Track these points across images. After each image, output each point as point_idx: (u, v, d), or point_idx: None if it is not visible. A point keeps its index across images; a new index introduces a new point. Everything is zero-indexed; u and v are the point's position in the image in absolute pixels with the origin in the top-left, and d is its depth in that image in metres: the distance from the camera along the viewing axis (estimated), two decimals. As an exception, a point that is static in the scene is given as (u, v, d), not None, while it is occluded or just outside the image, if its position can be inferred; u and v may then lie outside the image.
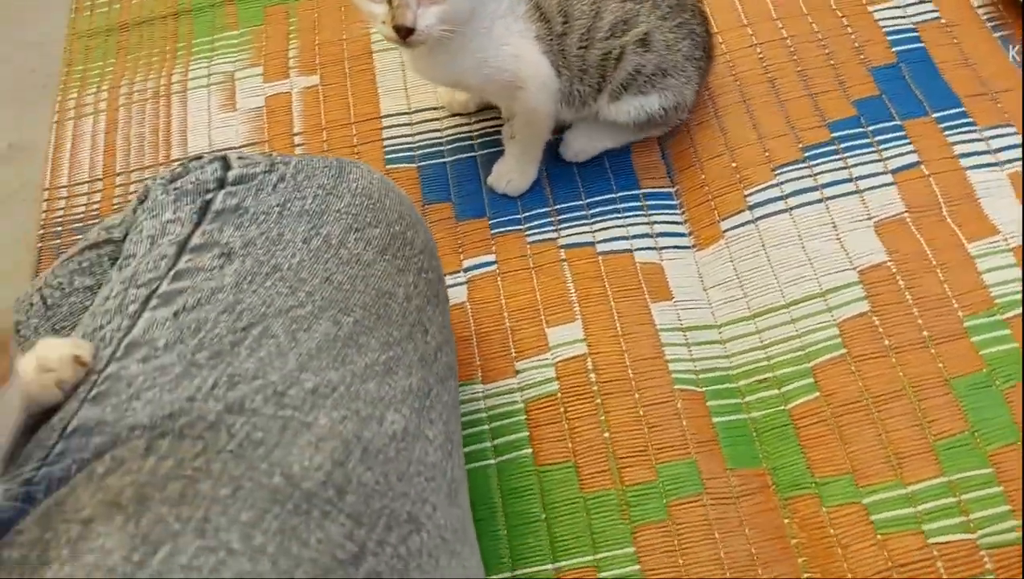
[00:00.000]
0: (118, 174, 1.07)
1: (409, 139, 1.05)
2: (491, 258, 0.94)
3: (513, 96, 0.91)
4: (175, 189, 0.66)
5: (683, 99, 0.94)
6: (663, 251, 0.92)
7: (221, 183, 0.66)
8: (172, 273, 0.59)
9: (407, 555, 0.50)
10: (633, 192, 0.97)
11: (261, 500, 0.46)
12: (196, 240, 0.61)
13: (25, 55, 1.22)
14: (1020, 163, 0.90)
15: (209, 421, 0.49)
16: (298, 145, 1.07)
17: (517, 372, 0.86)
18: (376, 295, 0.61)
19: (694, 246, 0.93)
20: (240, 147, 1.07)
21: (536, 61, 0.88)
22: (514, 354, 0.87)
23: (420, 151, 1.04)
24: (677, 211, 0.95)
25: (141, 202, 0.68)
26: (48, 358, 0.53)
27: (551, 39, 0.87)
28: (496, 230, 0.96)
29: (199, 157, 0.70)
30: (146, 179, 1.06)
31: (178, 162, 0.69)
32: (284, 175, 0.67)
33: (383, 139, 1.05)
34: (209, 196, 0.65)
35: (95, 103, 1.14)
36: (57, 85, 1.17)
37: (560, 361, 0.86)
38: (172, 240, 0.62)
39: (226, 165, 0.68)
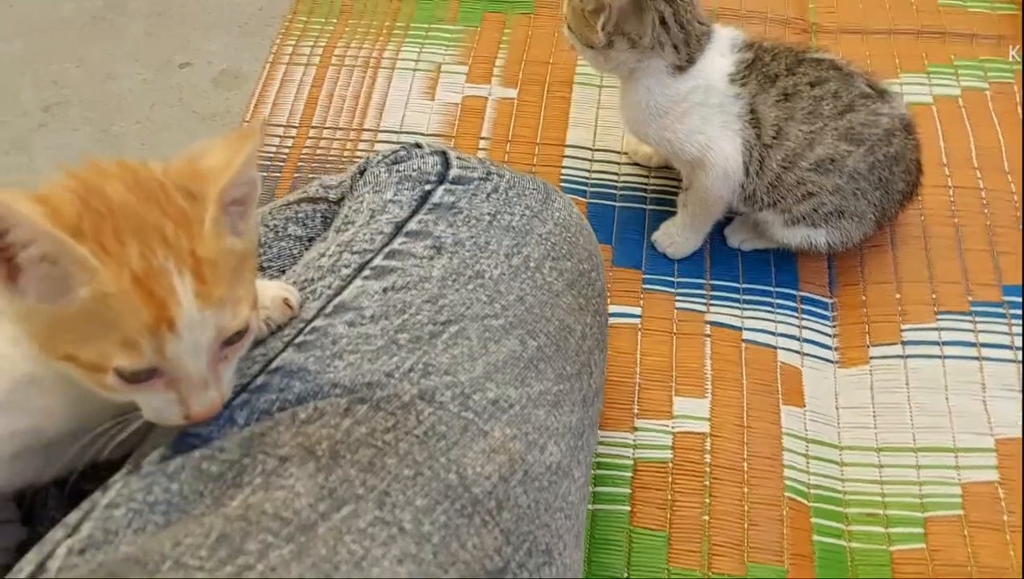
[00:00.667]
0: (312, 127, 1.13)
1: (586, 174, 1.08)
2: (637, 311, 0.96)
3: (693, 172, 0.93)
4: (398, 172, 0.70)
5: (851, 239, 0.94)
6: (806, 358, 0.93)
7: (441, 178, 0.70)
8: (386, 250, 0.63)
9: (539, 585, 0.52)
10: (791, 292, 0.98)
11: (435, 491, 0.49)
12: (412, 225, 0.65)
13: (258, -8, 1.30)
14: None
15: (403, 401, 0.53)
16: (481, 149, 1.11)
17: (635, 429, 0.88)
18: (559, 326, 0.64)
19: (837, 362, 0.93)
20: (428, 136, 1.12)
21: (727, 154, 0.90)
22: (636, 411, 0.89)
23: (593, 188, 1.07)
24: (829, 323, 0.96)
25: (361, 173, 0.72)
26: (262, 296, 0.57)
27: (755, 145, 0.89)
28: (648, 286, 0.98)
29: (418, 145, 0.74)
30: (335, 139, 1.12)
31: (399, 145, 0.73)
32: (498, 186, 0.70)
33: (562, 166, 1.09)
34: (429, 187, 0.69)
35: (309, 55, 1.20)
36: (278, 29, 1.24)
37: (680, 432, 0.87)
38: (390, 219, 0.66)
39: (446, 161, 0.72)
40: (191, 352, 0.45)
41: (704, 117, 0.89)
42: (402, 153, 0.72)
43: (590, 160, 1.10)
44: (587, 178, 1.08)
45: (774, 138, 0.89)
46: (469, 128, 1.13)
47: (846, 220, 0.92)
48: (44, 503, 0.63)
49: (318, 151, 1.10)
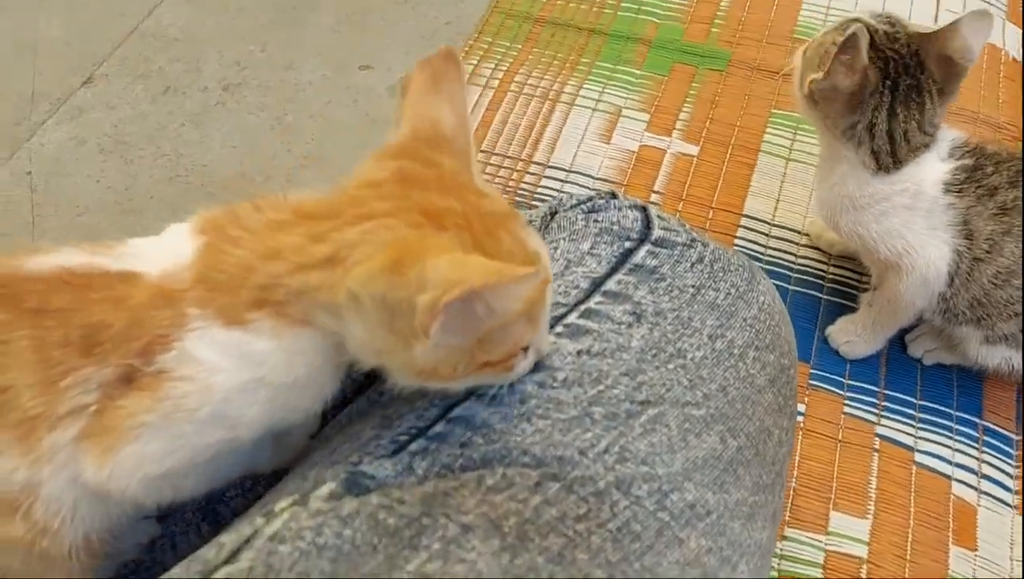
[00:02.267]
0: (481, 151, 1.10)
1: (760, 248, 1.02)
2: (800, 409, 0.88)
3: (886, 272, 0.86)
4: (596, 222, 0.65)
5: None
6: (983, 496, 0.84)
7: (643, 237, 0.65)
8: (582, 308, 0.58)
9: None
10: (973, 419, 0.88)
11: (634, 597, 0.44)
12: (611, 285, 0.60)
13: (449, 8, 1.28)
14: None
15: (598, 487, 0.47)
16: (651, 204, 1.06)
17: (784, 537, 0.80)
18: (759, 428, 0.57)
19: (1017, 507, 0.84)
20: (598, 181, 1.07)
21: (930, 261, 0.81)
22: (787, 518, 0.81)
23: (766, 266, 1.00)
24: (1013, 461, 0.86)
25: (552, 216, 0.68)
26: None
27: (964, 257, 0.81)
28: (814, 382, 0.90)
29: (614, 195, 0.69)
30: (503, 166, 1.09)
31: (594, 192, 0.68)
32: (703, 257, 0.64)
33: (735, 236, 1.02)
34: (630, 245, 0.63)
35: (489, 77, 1.18)
36: (462, 46, 1.22)
37: (833, 551, 0.79)
38: (587, 273, 0.61)
39: (647, 219, 0.66)
40: (551, 294, 0.49)
41: (907, 221, 0.81)
42: (599, 202, 0.68)
43: (767, 235, 1.03)
44: (761, 253, 1.01)
45: (987, 252, 0.80)
46: (642, 178, 1.08)
47: None
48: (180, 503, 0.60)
49: (484, 175, 1.07)
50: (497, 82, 1.17)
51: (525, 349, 0.48)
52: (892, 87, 0.76)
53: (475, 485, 0.46)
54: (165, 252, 0.47)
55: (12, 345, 0.44)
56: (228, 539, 0.46)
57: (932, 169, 0.80)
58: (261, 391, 0.46)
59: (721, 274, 0.64)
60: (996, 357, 0.85)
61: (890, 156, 0.79)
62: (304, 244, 0.45)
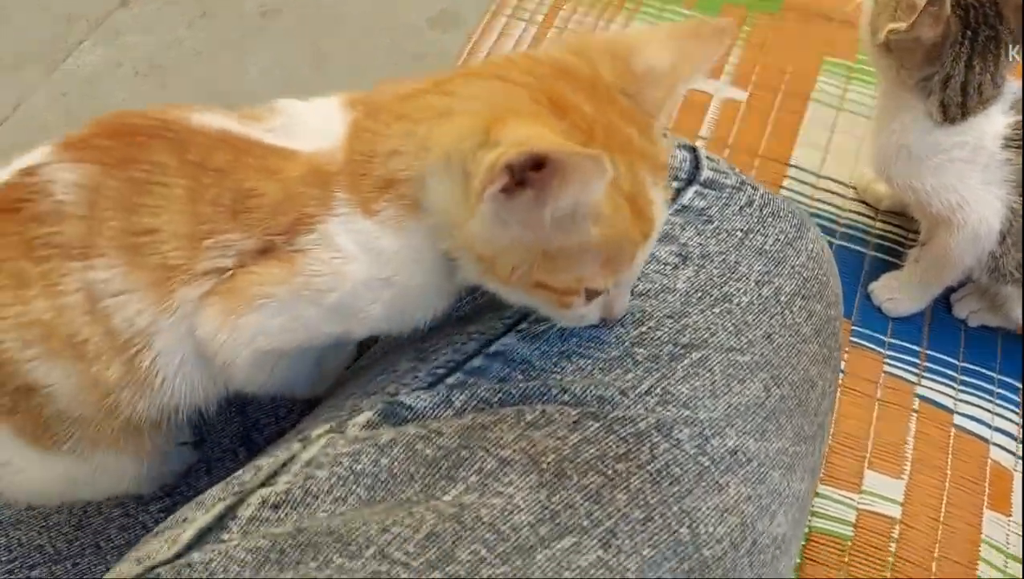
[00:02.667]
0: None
1: (807, 200, 0.99)
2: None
3: (937, 227, 0.83)
4: None
5: None
6: (1021, 461, 0.82)
7: (691, 178, 0.62)
8: None
9: None
10: (1015, 383, 0.86)
11: (664, 544, 0.43)
12: (661, 225, 0.58)
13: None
14: None
15: (638, 428, 0.46)
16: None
17: (816, 494, 0.79)
18: (803, 378, 0.56)
19: (1057, 475, 0.82)
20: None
21: (983, 217, 0.79)
22: (821, 475, 0.80)
23: (813, 218, 0.97)
24: (1056, 429, 0.84)
25: None
26: None
27: (1017, 215, 0.78)
28: (855, 339, 0.88)
29: (663, 134, 0.67)
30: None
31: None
32: (752, 201, 0.62)
33: (781, 186, 1.00)
34: (678, 185, 0.61)
35: (532, 12, 1.14)
36: (507, -22, 1.18)
37: (865, 510, 0.78)
38: None
39: (696, 159, 0.64)
40: (644, 259, 0.45)
41: (962, 174, 0.78)
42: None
43: (813, 186, 1.00)
44: (807, 205, 0.98)
45: None
46: (688, 123, 1.05)
47: None
48: (220, 428, 0.60)
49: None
50: (541, 17, 1.14)
51: (591, 295, 0.45)
52: (972, 38, 0.73)
53: (514, 420, 0.45)
54: (318, 126, 0.45)
55: (169, 191, 0.42)
56: (265, 462, 0.46)
57: (994, 122, 0.77)
58: (386, 291, 0.44)
59: (770, 220, 0.62)
60: None
61: (959, 108, 0.75)
62: (432, 100, 0.43)
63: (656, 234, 0.44)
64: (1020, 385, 0.86)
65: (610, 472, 0.44)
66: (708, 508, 0.45)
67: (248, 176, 0.42)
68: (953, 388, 0.86)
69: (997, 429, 0.83)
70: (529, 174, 0.38)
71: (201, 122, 0.44)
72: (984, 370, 0.87)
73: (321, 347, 0.49)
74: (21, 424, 0.46)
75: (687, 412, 0.48)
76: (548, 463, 0.44)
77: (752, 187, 0.64)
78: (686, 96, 1.07)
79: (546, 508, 0.42)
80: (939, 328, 0.90)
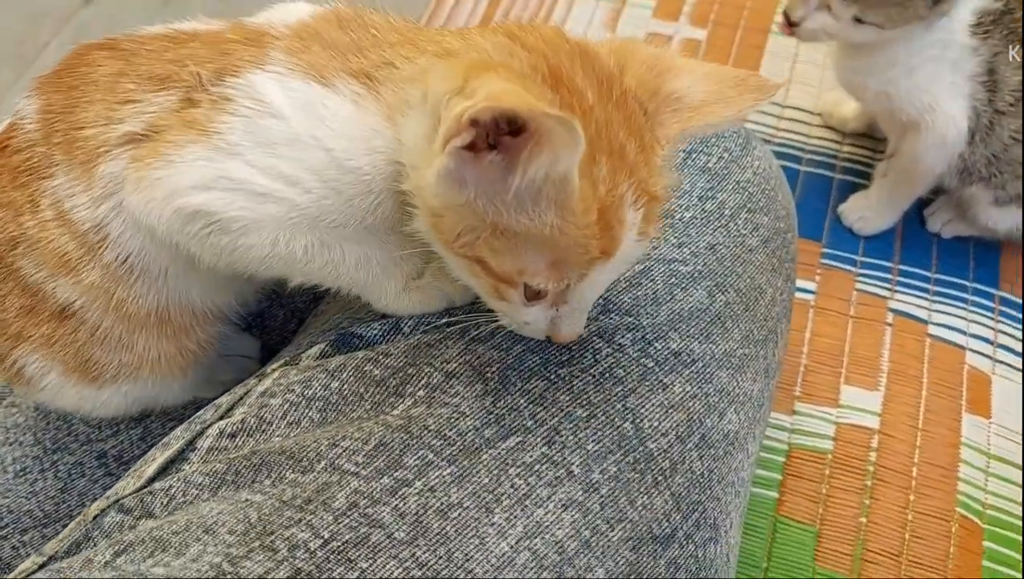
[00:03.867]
0: (485, 46, 1.08)
1: (772, 130, 0.99)
2: (811, 286, 0.87)
3: (905, 135, 0.83)
4: None
5: None
6: (998, 365, 0.83)
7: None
8: None
9: (702, 559, 0.47)
10: (989, 290, 0.87)
11: (608, 439, 0.44)
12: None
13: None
14: None
15: (579, 337, 0.48)
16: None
17: (794, 412, 0.80)
18: (750, 285, 0.57)
19: (1034, 375, 0.83)
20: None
21: (952, 116, 0.79)
22: (798, 393, 0.81)
23: (778, 147, 0.98)
24: (1030, 330, 0.85)
25: None
26: None
27: (985, 111, 0.79)
28: (827, 261, 0.89)
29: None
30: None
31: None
32: (695, 122, 0.63)
33: (746, 120, 1.00)
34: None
35: (489, -26, 1.15)
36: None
37: (844, 423, 0.79)
38: None
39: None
40: (601, 284, 0.42)
41: (934, 75, 0.79)
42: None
43: (778, 116, 1.00)
44: (773, 136, 0.99)
45: (1011, 105, 0.78)
46: (649, 67, 1.05)
47: None
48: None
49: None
50: (496, -20, 1.15)
51: (531, 295, 0.41)
52: None
53: (458, 336, 0.47)
54: (283, 13, 0.45)
55: (93, 84, 0.43)
56: (224, 399, 0.48)
57: (962, 12, 0.77)
58: (313, 152, 0.41)
59: (714, 139, 0.63)
60: (1007, 221, 0.84)
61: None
62: (445, 38, 0.42)
63: (619, 260, 0.40)
64: (994, 292, 0.87)
65: (553, 377, 0.45)
66: (652, 405, 0.47)
67: (185, 49, 0.43)
68: (927, 299, 0.86)
69: (973, 335, 0.84)
70: (504, 138, 0.36)
71: (151, 30, 0.45)
72: (957, 280, 0.88)
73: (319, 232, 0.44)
74: (63, 358, 0.48)
75: (629, 319, 0.50)
76: (492, 373, 0.45)
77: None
78: (647, 41, 1.07)
79: (491, 413, 0.43)
80: (911, 243, 0.90)
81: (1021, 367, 0.83)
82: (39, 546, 0.59)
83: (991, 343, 0.84)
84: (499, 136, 0.36)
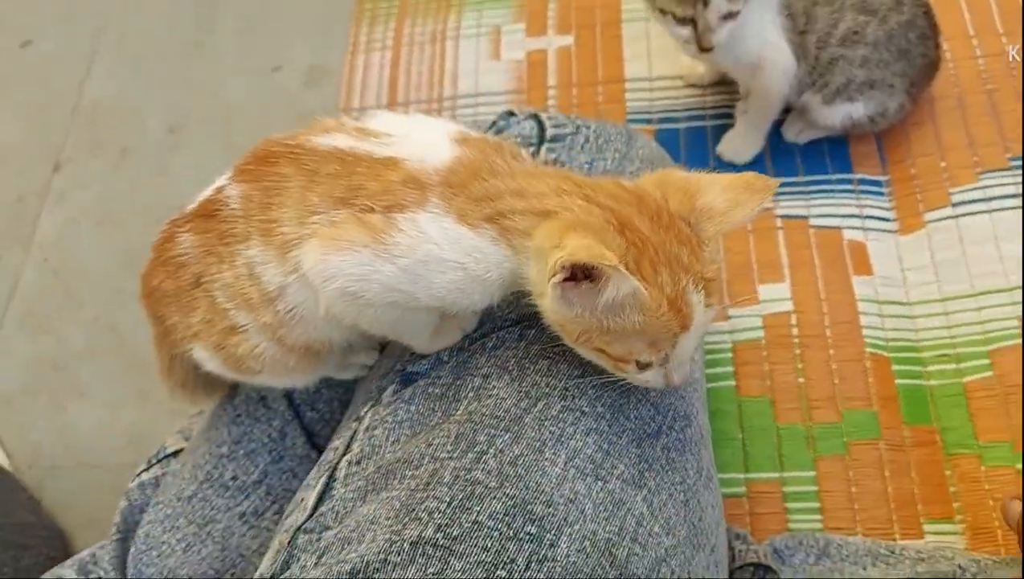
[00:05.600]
0: (398, 104, 1.28)
1: (648, 103, 1.21)
2: (714, 218, 1.10)
3: (754, 75, 1.05)
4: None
5: (887, 109, 1.05)
6: (869, 232, 1.06)
7: (541, 139, 0.85)
8: None
9: (685, 441, 0.68)
10: (847, 176, 1.10)
11: (600, 382, 0.65)
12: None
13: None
14: None
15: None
16: (550, 99, 1.25)
17: (729, 317, 1.03)
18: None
19: (897, 231, 1.06)
20: (502, 94, 1.26)
21: (781, 48, 1.01)
22: (727, 302, 1.04)
23: (657, 115, 1.20)
24: (886, 198, 1.09)
25: None
26: None
27: (793, 34, 1.01)
28: (720, 194, 1.12)
29: (512, 113, 0.89)
30: (420, 112, 1.27)
31: (496, 116, 0.87)
32: (588, 137, 0.85)
33: (626, 100, 1.22)
34: (532, 148, 0.84)
35: (383, 39, 1.35)
36: (350, 18, 1.38)
37: (768, 313, 1.02)
38: None
39: (540, 124, 0.86)
40: (690, 345, 0.59)
41: (760, 21, 0.98)
42: (502, 123, 0.87)
43: (649, 90, 1.22)
44: (650, 107, 1.21)
45: (807, 24, 0.99)
46: (537, 80, 1.26)
47: (877, 90, 1.03)
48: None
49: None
50: (392, 40, 1.34)
51: (642, 366, 0.59)
52: None
53: (481, 350, 0.68)
54: (423, 146, 0.61)
55: (287, 191, 0.61)
56: (339, 441, 0.68)
57: None
58: (455, 273, 0.58)
59: (605, 145, 0.84)
60: (839, 114, 1.05)
61: None
62: (546, 193, 0.58)
63: (697, 327, 0.57)
64: (882, 176, 1.10)
65: (552, 355, 0.67)
66: None
67: (357, 177, 0.60)
68: (803, 199, 1.09)
69: (844, 216, 1.07)
70: (594, 271, 0.53)
71: (318, 142, 0.62)
72: (821, 176, 1.11)
73: (417, 310, 0.63)
74: (223, 358, 0.70)
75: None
76: (511, 366, 0.66)
77: (586, 126, 0.86)
78: (529, 58, 1.28)
79: (520, 392, 0.65)
80: (778, 158, 1.13)
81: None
82: None
83: (859, 217, 1.08)
84: (589, 271, 0.53)
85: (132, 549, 0.82)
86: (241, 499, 0.80)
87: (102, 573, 0.84)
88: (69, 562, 0.89)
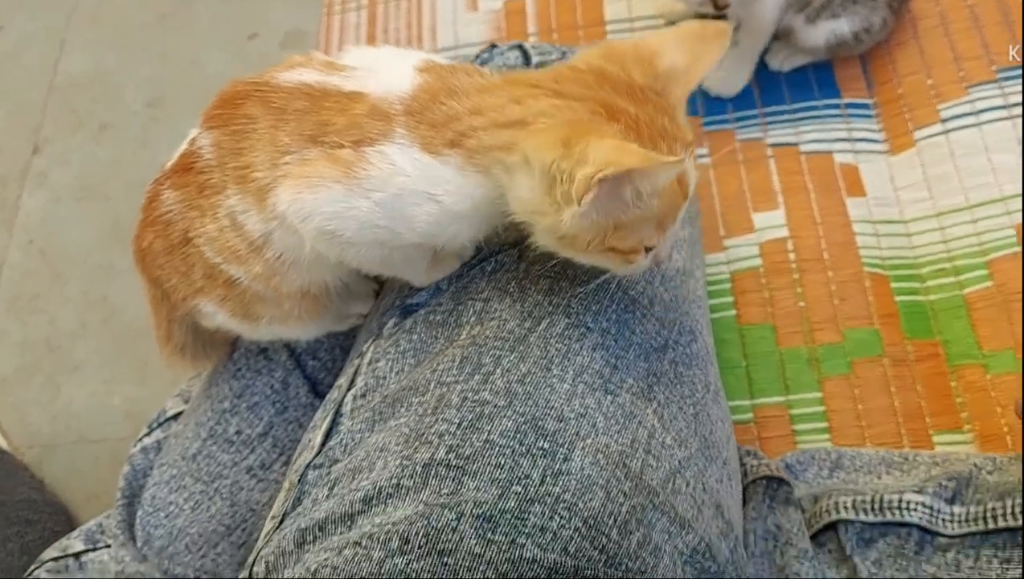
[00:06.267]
0: (379, 62, 1.26)
1: (630, 44, 1.20)
2: (704, 151, 1.09)
3: (746, 8, 1.03)
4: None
5: (871, 24, 1.04)
6: (859, 154, 1.06)
7: (527, 65, 0.83)
8: None
9: (692, 355, 0.68)
10: (834, 101, 1.09)
11: (603, 298, 0.65)
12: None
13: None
14: None
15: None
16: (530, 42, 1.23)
17: (725, 248, 1.02)
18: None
19: (888, 151, 1.06)
20: (482, 45, 1.24)
21: None
22: (723, 233, 1.03)
23: (640, 55, 1.18)
24: (874, 120, 1.08)
25: None
26: None
27: None
28: (708, 127, 1.11)
29: (494, 45, 0.87)
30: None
31: (480, 49, 0.86)
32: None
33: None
34: (518, 78, 0.82)
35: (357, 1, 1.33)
36: (323, -19, 1.36)
37: (764, 241, 1.02)
38: None
39: (525, 52, 0.85)
40: (683, 214, 0.58)
41: None
42: (485, 55, 0.86)
43: (631, 31, 1.21)
44: (632, 46, 1.19)
45: None
46: (516, 28, 1.25)
47: (860, 5, 1.02)
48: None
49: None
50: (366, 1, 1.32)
51: (647, 250, 0.57)
52: None
53: (480, 274, 0.67)
54: (387, 77, 0.58)
55: (256, 133, 0.59)
56: (343, 378, 0.67)
57: None
58: (430, 205, 0.56)
59: None
60: (823, 33, 1.03)
61: None
62: (504, 104, 0.55)
63: (691, 194, 0.57)
64: (869, 99, 1.10)
65: (552, 274, 0.66)
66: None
67: (323, 113, 0.58)
68: (792, 126, 1.09)
69: (834, 140, 1.07)
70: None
71: (283, 79, 0.60)
72: (809, 102, 1.10)
73: (405, 248, 0.62)
74: (232, 308, 0.68)
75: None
76: (512, 288, 0.66)
77: (571, 52, 0.85)
78: (507, 6, 1.26)
79: (522, 312, 0.64)
80: (765, 88, 1.12)
81: None
82: (232, 552, 0.79)
83: (849, 140, 1.07)
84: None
85: (139, 513, 0.81)
86: (247, 453, 0.79)
87: (110, 541, 0.84)
88: (75, 533, 0.89)
